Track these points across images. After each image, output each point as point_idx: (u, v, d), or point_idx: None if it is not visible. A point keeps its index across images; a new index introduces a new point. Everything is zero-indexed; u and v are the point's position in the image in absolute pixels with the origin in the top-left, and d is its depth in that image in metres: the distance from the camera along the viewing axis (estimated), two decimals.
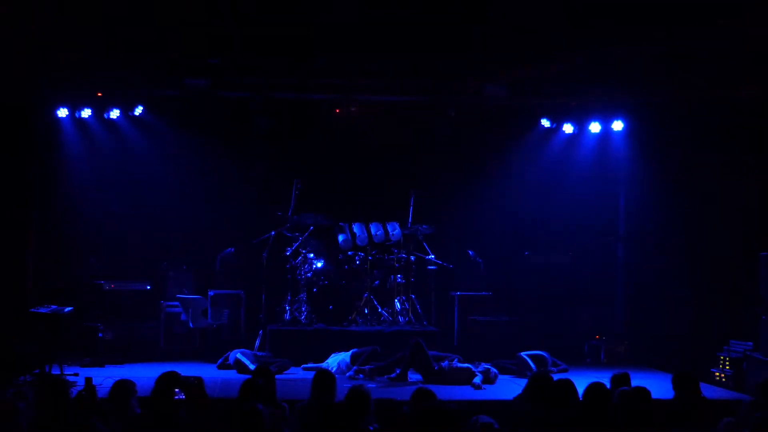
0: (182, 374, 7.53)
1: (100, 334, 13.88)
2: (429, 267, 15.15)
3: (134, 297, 14.50)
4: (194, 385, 7.27)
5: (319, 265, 14.68)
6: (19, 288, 13.41)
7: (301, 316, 14.21)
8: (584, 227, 15.90)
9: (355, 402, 7.12)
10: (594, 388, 7.45)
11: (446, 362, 12.46)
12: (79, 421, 6.71)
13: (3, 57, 12.57)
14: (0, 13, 11.43)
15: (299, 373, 12.81)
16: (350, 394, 7.17)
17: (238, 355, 12.95)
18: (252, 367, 12.06)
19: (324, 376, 7.98)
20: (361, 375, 12.48)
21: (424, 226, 14.85)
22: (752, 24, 11.66)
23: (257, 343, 14.02)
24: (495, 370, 12.46)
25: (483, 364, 12.56)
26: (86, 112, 14.45)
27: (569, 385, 7.63)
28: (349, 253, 14.87)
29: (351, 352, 12.96)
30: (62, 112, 14.38)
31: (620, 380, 8.47)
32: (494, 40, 12.95)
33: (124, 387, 7.84)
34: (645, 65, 13.76)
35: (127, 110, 14.55)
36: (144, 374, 10.84)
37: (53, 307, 12.74)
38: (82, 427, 6.63)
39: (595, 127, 15.42)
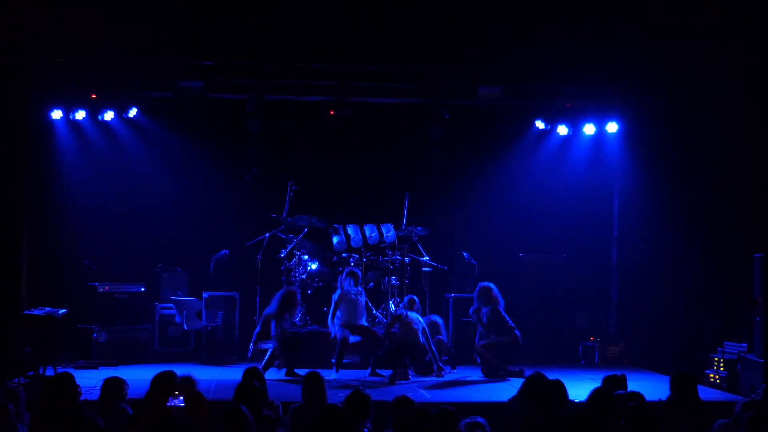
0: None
1: (94, 336, 13.87)
2: (423, 269, 15.13)
3: (128, 299, 14.44)
4: (195, 397, 7.23)
5: (314, 266, 14.68)
6: (13, 290, 13.38)
7: (296, 318, 14.19)
8: (578, 229, 15.92)
9: (355, 405, 7.10)
10: (599, 393, 7.50)
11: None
12: (79, 418, 6.71)
13: None
14: None
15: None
16: (351, 398, 7.15)
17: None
18: None
19: (313, 378, 7.97)
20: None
21: (418, 228, 14.84)
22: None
23: (251, 346, 14.00)
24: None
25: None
26: (80, 114, 14.40)
27: (562, 387, 7.65)
28: (344, 254, 14.86)
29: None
30: (56, 114, 14.34)
31: (616, 382, 8.44)
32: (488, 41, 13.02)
33: (114, 385, 7.82)
34: (640, 67, 13.80)
35: (121, 112, 14.52)
36: (138, 376, 10.81)
37: (47, 309, 12.74)
38: (84, 424, 6.63)
39: (589, 129, 15.41)
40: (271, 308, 12.93)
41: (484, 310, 13.22)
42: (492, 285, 13.32)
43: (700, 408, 8.15)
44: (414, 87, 14.70)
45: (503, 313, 13.16)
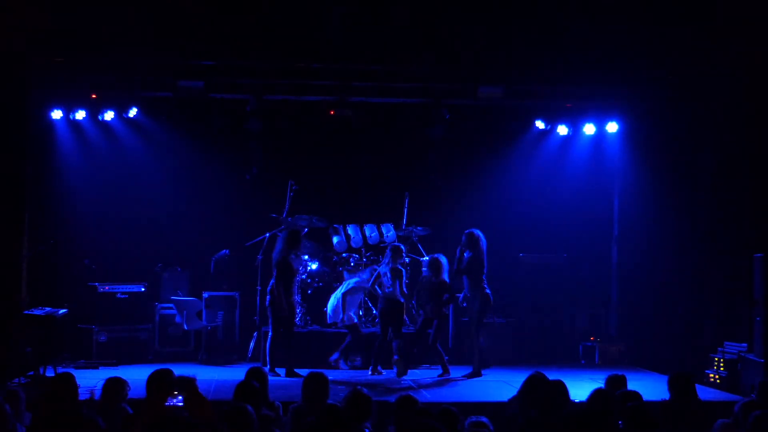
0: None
1: (94, 336, 13.87)
2: (424, 269, 15.11)
3: (129, 299, 14.44)
4: (196, 398, 7.21)
5: (314, 266, 14.68)
6: (13, 290, 13.38)
7: (296, 318, 14.18)
8: (579, 229, 15.90)
9: (355, 405, 7.09)
10: (599, 393, 7.49)
11: None
12: (79, 418, 6.69)
13: None
14: None
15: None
16: (351, 398, 7.14)
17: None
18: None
19: (313, 378, 7.95)
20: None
21: (418, 228, 14.84)
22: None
23: (251, 345, 14.02)
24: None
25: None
26: (80, 114, 14.39)
27: (563, 387, 7.64)
28: (344, 254, 14.85)
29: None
30: (56, 114, 14.33)
31: (618, 383, 8.44)
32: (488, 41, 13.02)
33: (114, 385, 7.81)
34: (640, 67, 13.81)
35: (121, 112, 14.51)
36: (138, 376, 10.80)
37: (47, 309, 12.74)
38: (86, 423, 6.61)
39: (589, 129, 15.41)
40: (276, 250, 12.93)
41: (466, 254, 13.01)
42: (479, 233, 12.97)
43: (699, 408, 8.15)
44: (414, 87, 14.70)
45: (484, 263, 12.96)
